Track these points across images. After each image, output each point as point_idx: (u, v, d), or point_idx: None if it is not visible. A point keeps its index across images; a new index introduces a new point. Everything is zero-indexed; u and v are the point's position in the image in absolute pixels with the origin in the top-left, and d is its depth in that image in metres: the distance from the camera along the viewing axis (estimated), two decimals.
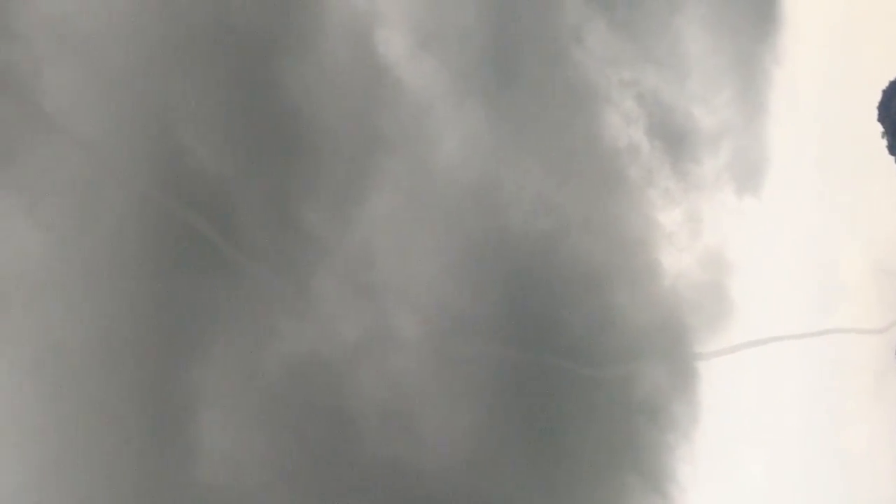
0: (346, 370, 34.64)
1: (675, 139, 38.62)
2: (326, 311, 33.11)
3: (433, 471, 36.04)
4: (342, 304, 33.41)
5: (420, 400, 35.94)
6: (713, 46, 39.36)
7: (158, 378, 31.40)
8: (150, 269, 30.35)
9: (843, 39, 47.71)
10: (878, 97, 58.62)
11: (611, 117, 36.91)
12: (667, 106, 38.16)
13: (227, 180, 31.77)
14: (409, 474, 35.74)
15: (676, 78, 38.10)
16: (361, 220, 33.82)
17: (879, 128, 61.53)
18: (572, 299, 36.61)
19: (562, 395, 37.57)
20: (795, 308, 45.15)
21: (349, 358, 34.10)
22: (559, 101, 35.95)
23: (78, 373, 29.93)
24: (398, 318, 34.24)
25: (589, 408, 37.17)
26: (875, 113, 59.27)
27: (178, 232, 30.86)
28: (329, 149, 33.48)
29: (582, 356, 36.61)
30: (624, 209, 37.66)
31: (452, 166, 34.74)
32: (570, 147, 36.47)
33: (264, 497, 34.33)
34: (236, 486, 33.73)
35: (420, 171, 34.46)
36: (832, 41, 45.56)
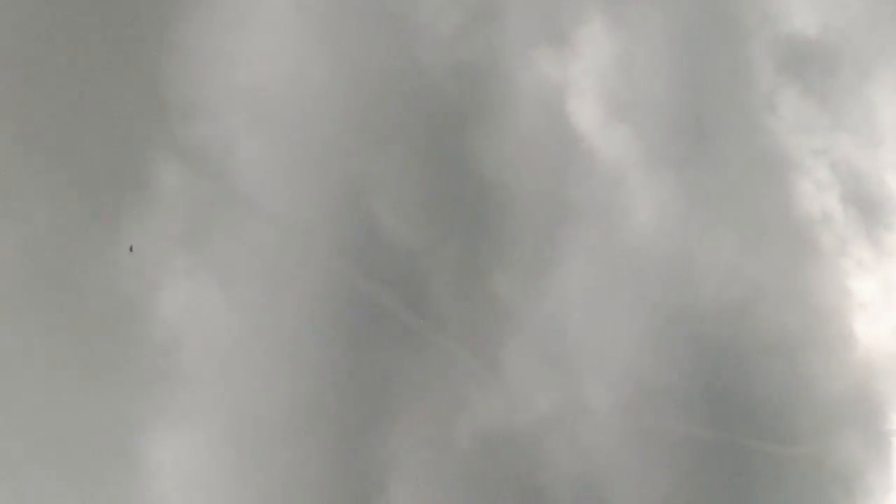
0: (537, 441, 33.03)
1: (868, 207, 35.05)
2: (517, 383, 30.87)
3: None
4: (533, 376, 31.39)
5: (611, 472, 33.75)
6: None
7: (351, 449, 29.87)
8: (342, 343, 28.87)
9: None
10: None
11: (803, 185, 33.55)
12: (860, 173, 34.62)
13: (419, 252, 30.03)
14: None
15: (870, 145, 34.60)
16: (552, 290, 31.65)
17: None
18: (764, 369, 33.80)
19: (753, 468, 34.67)
20: None
21: (540, 429, 32.15)
22: (752, 169, 33.10)
23: (273, 444, 28.57)
24: (589, 389, 32.62)
25: (781, 481, 34.08)
26: None
27: (369, 305, 29.31)
28: (520, 219, 31.51)
29: (774, 429, 33.73)
30: (817, 278, 34.55)
31: (644, 236, 32.50)
32: (763, 216, 33.50)
33: None
34: None
35: (612, 241, 32.41)
36: None
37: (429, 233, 29.33)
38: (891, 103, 35.24)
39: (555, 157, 31.08)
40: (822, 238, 35.87)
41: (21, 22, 24.63)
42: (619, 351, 31.98)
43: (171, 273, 25.86)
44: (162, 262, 25.79)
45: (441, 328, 29.77)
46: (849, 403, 36.58)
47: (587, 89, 30.36)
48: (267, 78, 27.00)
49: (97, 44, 24.55)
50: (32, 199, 24.20)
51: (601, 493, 31.87)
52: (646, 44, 31.34)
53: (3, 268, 23.89)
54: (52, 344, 24.62)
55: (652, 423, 32.76)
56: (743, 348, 33.60)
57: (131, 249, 23.34)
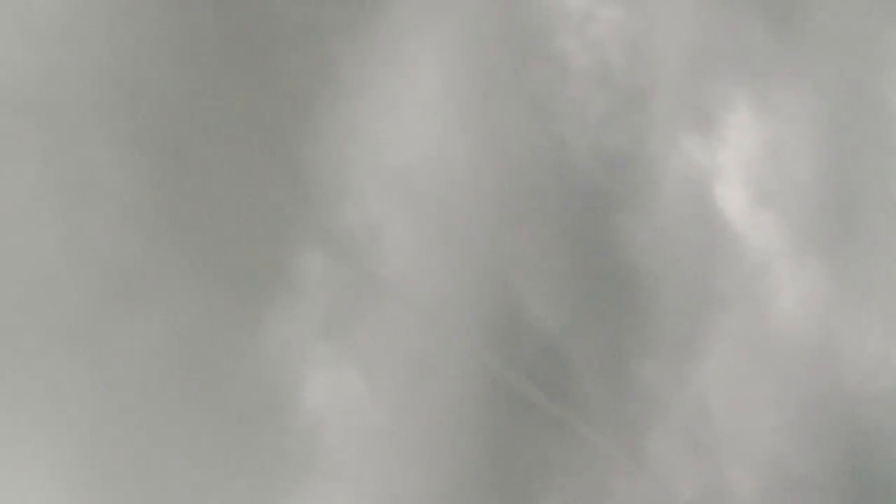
0: None
1: None
2: (660, 470, 28.11)
3: None
4: (676, 463, 28.88)
5: None
6: None
7: None
8: (483, 431, 26.49)
9: None
10: None
11: None
12: None
13: (562, 338, 27.66)
14: None
15: None
16: (696, 376, 29.20)
17: None
18: None
19: None
20: None
21: None
22: None
23: None
24: (734, 476, 30.64)
25: None
26: None
27: (511, 392, 27.04)
28: (665, 305, 29.14)
29: None
30: None
31: (790, 322, 30.09)
32: None
33: None
34: None
35: (756, 327, 30.21)
36: None
37: (572, 319, 27.54)
38: None
39: (700, 242, 29.44)
40: None
41: (165, 106, 22.24)
42: (763, 438, 29.57)
43: (314, 363, 24.55)
44: (305, 353, 24.42)
45: (583, 416, 27.73)
46: None
47: (733, 175, 28.98)
48: (412, 161, 25.94)
49: (242, 129, 22.33)
50: (178, 291, 21.92)
51: None
52: (792, 128, 29.89)
53: (150, 362, 21.44)
54: (196, 437, 24.00)
55: None
56: (891, 436, 30.57)
57: None
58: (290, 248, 26.98)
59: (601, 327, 29.31)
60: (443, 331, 26.63)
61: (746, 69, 30.26)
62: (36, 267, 24.50)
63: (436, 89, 27.78)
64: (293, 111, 26.32)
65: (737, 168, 29.62)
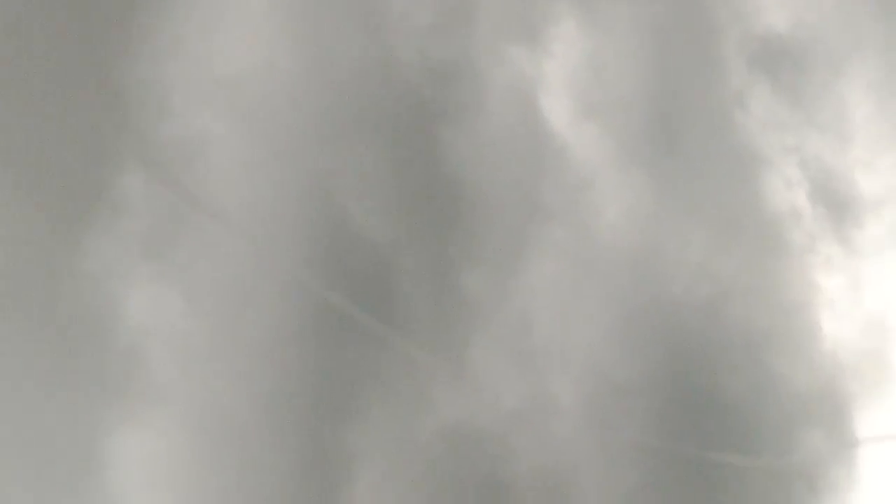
0: (502, 438, 32.85)
1: (837, 204, 35.18)
2: (483, 379, 30.95)
3: None
4: (500, 373, 31.11)
5: (576, 468, 33.88)
6: (878, 111, 35.68)
7: (316, 448, 29.66)
8: (307, 343, 28.86)
9: None
10: None
11: (773, 183, 33.69)
12: (830, 171, 34.85)
13: (387, 251, 30.12)
14: None
15: (840, 143, 34.74)
16: (520, 287, 32.13)
17: None
18: (731, 366, 34.16)
19: (718, 465, 33.57)
20: None
21: (506, 425, 32.17)
22: (722, 166, 33.47)
23: (238, 445, 28.54)
24: (556, 386, 31.93)
25: (746, 477, 34.54)
26: None
27: (335, 305, 29.31)
28: (489, 216, 31.86)
29: (740, 426, 34.10)
30: (785, 275, 34.82)
31: (614, 234, 33.27)
32: (732, 213, 33.70)
33: None
34: None
35: (581, 238, 31.86)
36: None
37: (397, 232, 29.78)
38: (862, 101, 35.49)
39: (525, 155, 31.52)
40: (790, 235, 36.14)
41: None
42: (586, 348, 32.40)
43: (134, 284, 26.23)
44: (126, 273, 26.04)
45: (408, 326, 30.29)
46: (815, 400, 36.94)
47: (558, 87, 31.24)
48: (236, 75, 27.37)
49: (57, 47, 23.98)
50: None
51: (565, 489, 31.80)
52: (617, 41, 32.11)
53: None
54: (15, 355, 25.03)
55: (617, 420, 32.80)
56: (710, 345, 34.18)
57: None
58: (109, 168, 28.81)
59: (426, 240, 31.66)
60: (265, 249, 29.05)
61: None
62: None
63: (261, 1, 29.62)
64: (111, 25, 27.94)
65: (562, 80, 31.32)
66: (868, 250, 36.65)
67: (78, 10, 25.22)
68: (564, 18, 31.22)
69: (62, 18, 25.13)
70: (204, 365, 27.66)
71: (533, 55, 31.16)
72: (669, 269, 33.37)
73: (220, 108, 27.64)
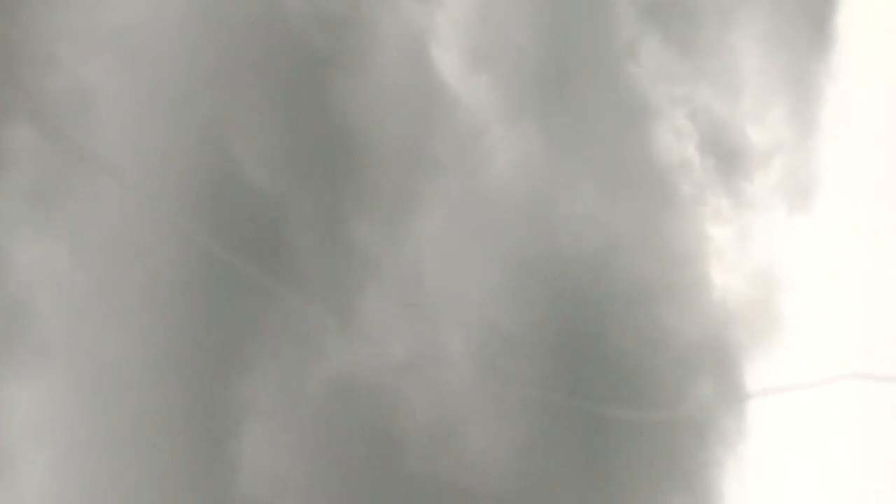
0: (392, 389, 33.74)
1: (727, 156, 36.98)
2: (374, 330, 31.92)
3: (478, 492, 35.10)
4: (390, 323, 32.03)
5: (467, 420, 34.95)
6: (767, 63, 37.34)
7: (203, 397, 30.62)
8: (195, 294, 29.76)
9: None
10: None
11: (663, 134, 35.16)
12: (719, 122, 36.49)
13: (275, 200, 30.91)
14: (454, 495, 34.86)
15: (729, 94, 36.34)
16: (411, 238, 32.10)
17: None
18: (621, 317, 35.53)
19: (608, 418, 35.93)
20: (846, 328, 43.96)
21: (396, 377, 33.13)
22: (612, 117, 34.47)
23: (125, 395, 29.35)
24: (446, 337, 32.90)
25: (635, 428, 36.25)
26: None
27: (223, 256, 30.12)
28: (380, 167, 32.75)
29: (629, 377, 35.58)
30: (675, 226, 36.27)
31: (504, 185, 34.18)
32: (622, 164, 34.99)
33: None
34: (277, 499, 32.73)
35: (471, 189, 32.83)
36: (888, 56, 43.64)
37: (287, 182, 30.58)
38: (752, 53, 37.17)
39: (416, 105, 32.46)
40: (680, 187, 37.79)
41: None
42: (477, 299, 33.66)
43: (21, 238, 26.97)
44: (12, 227, 26.68)
45: (298, 278, 31.08)
46: (704, 351, 38.83)
47: (449, 38, 32.03)
48: (126, 23, 27.99)
49: None
50: None
51: (455, 440, 33.04)
52: None
53: None
54: None
55: (507, 371, 34.11)
56: (600, 296, 35.72)
57: None
58: None
59: (316, 191, 32.77)
60: (154, 201, 30.16)
61: None
62: None
63: None
64: None
65: (453, 31, 32.04)
66: (756, 202, 38.66)
67: None
68: None
69: None
70: (91, 318, 28.28)
71: (424, 6, 31.86)
72: (559, 220, 34.47)
73: (109, 59, 27.92)
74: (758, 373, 37.75)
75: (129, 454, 28.64)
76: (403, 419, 32.35)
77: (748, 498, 38.19)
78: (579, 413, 34.38)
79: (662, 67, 35.75)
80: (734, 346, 36.09)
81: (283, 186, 30.78)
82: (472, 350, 33.07)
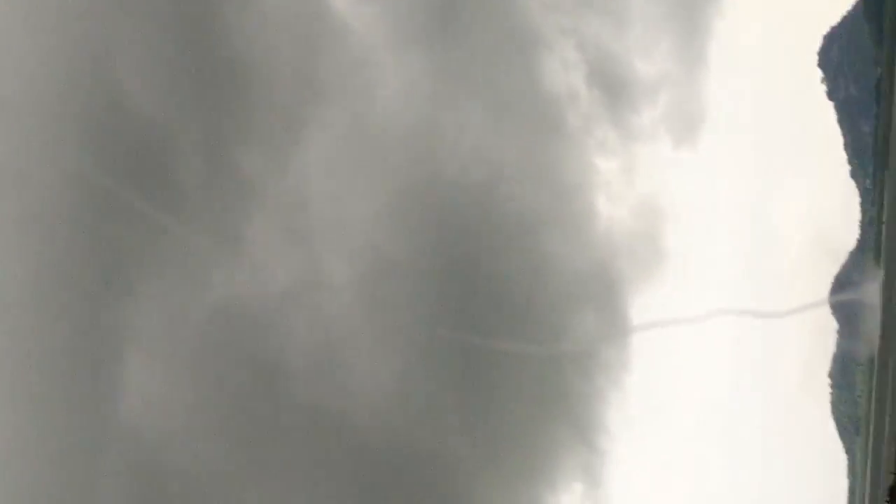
0: (275, 316, 33.92)
1: (614, 88, 37.60)
2: (258, 257, 32.11)
3: (361, 417, 35.50)
4: (274, 250, 32.27)
5: (349, 346, 35.17)
6: None
7: (85, 319, 31.28)
8: (81, 220, 30.26)
9: None
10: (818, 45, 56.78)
11: (550, 65, 35.51)
12: (607, 54, 37.00)
13: (163, 128, 29.78)
14: (336, 420, 35.19)
15: (617, 27, 36.75)
16: (296, 165, 32.12)
17: (819, 74, 59.95)
18: (506, 245, 35.94)
19: (491, 346, 35.79)
20: (727, 258, 45.27)
21: (279, 303, 33.36)
22: (500, 48, 34.55)
23: (8, 315, 30.01)
24: (329, 264, 33.16)
25: (520, 361, 36.65)
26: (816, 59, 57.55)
27: (110, 183, 30.37)
28: (267, 95, 31.69)
29: (514, 304, 35.93)
30: (561, 156, 36.77)
31: (390, 114, 32.85)
32: (510, 94, 35.27)
33: (187, 439, 33.72)
34: (159, 426, 32.89)
35: (357, 118, 32.86)
36: None
37: (172, 111, 30.73)
38: None
39: (303, 34, 32.66)
40: (567, 117, 38.50)
41: None
42: (361, 226, 33.58)
43: None
44: None
45: (183, 206, 31.51)
46: (589, 281, 39.65)
47: None
48: None
49: None
50: None
51: (339, 366, 33.64)
52: None
53: None
54: None
55: (391, 298, 34.56)
56: (486, 226, 35.93)
57: None
58: None
59: (202, 120, 33.14)
60: (39, 130, 30.18)
61: None
62: None
63: None
64: None
65: None
66: (642, 134, 39.41)
67: None
68: None
69: None
70: None
71: None
72: (445, 149, 35.33)
73: None
74: (642, 304, 38.47)
75: (5, 379, 28.27)
76: (286, 345, 32.66)
77: (630, 428, 39.18)
78: (464, 343, 34.76)
79: None
80: (619, 277, 36.74)
81: (170, 115, 31.14)
82: (356, 277, 32.68)
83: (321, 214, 34.58)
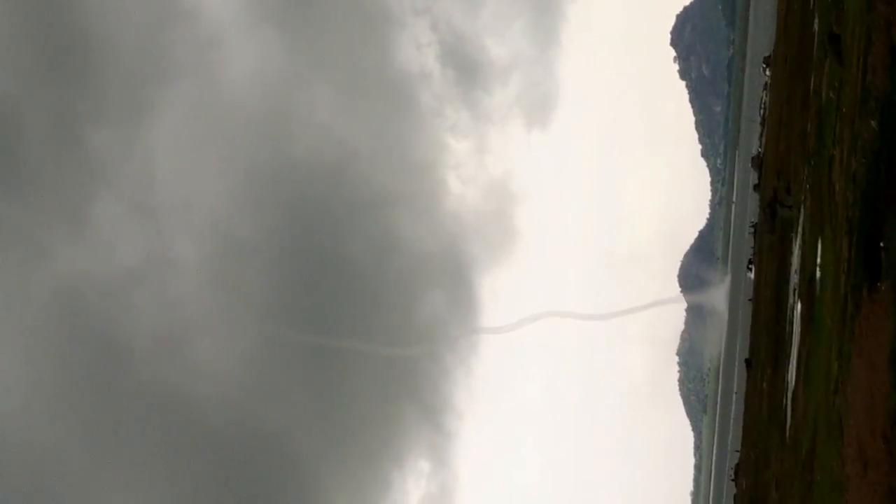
0: (120, 294, 36.21)
1: (466, 68, 40.96)
2: (105, 236, 33.92)
3: (205, 397, 37.50)
4: (121, 229, 34.21)
5: (195, 325, 37.52)
6: None
7: None
8: None
9: None
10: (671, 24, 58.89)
11: (403, 43, 38.66)
12: (459, 34, 40.19)
13: (9, 107, 31.41)
14: (180, 400, 37.17)
15: (470, 7, 40.10)
16: (145, 143, 34.04)
17: (672, 53, 62.61)
18: (356, 227, 38.95)
19: (338, 331, 38.25)
20: (577, 240, 48.50)
21: (124, 282, 35.52)
22: (353, 26, 37.15)
23: None
24: (178, 242, 35.29)
25: (367, 337, 39.20)
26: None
27: None
28: (115, 74, 33.35)
29: (364, 287, 38.83)
30: (413, 137, 40.17)
31: (240, 93, 35.03)
32: (362, 73, 38.21)
33: (29, 420, 34.98)
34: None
35: (207, 96, 34.95)
36: None
37: (23, 81, 31.19)
38: None
39: (154, 11, 33.66)
40: (419, 97, 41.97)
41: None
42: (209, 205, 35.72)
43: None
44: None
45: (28, 183, 31.71)
46: (437, 260, 43.25)
47: None
48: None
49: None
50: None
51: (184, 346, 35.77)
52: None
53: None
54: None
55: (238, 278, 36.81)
56: (336, 205, 38.56)
57: None
58: None
59: (51, 97, 34.24)
60: None
61: None
62: None
63: None
64: None
65: None
66: (494, 115, 44.09)
67: None
68: None
69: None
70: None
71: None
72: (296, 128, 38.01)
73: None
74: (490, 284, 42.35)
75: None
76: (131, 324, 34.55)
77: (476, 405, 43.05)
78: (311, 309, 37.10)
79: None
80: (466, 256, 40.12)
81: (15, 92, 31.22)
82: (204, 255, 34.74)
83: (169, 193, 36.33)
